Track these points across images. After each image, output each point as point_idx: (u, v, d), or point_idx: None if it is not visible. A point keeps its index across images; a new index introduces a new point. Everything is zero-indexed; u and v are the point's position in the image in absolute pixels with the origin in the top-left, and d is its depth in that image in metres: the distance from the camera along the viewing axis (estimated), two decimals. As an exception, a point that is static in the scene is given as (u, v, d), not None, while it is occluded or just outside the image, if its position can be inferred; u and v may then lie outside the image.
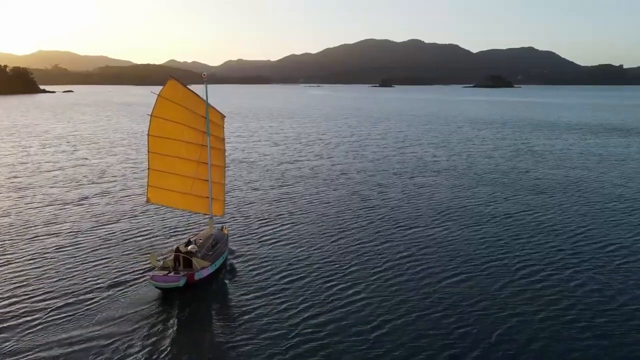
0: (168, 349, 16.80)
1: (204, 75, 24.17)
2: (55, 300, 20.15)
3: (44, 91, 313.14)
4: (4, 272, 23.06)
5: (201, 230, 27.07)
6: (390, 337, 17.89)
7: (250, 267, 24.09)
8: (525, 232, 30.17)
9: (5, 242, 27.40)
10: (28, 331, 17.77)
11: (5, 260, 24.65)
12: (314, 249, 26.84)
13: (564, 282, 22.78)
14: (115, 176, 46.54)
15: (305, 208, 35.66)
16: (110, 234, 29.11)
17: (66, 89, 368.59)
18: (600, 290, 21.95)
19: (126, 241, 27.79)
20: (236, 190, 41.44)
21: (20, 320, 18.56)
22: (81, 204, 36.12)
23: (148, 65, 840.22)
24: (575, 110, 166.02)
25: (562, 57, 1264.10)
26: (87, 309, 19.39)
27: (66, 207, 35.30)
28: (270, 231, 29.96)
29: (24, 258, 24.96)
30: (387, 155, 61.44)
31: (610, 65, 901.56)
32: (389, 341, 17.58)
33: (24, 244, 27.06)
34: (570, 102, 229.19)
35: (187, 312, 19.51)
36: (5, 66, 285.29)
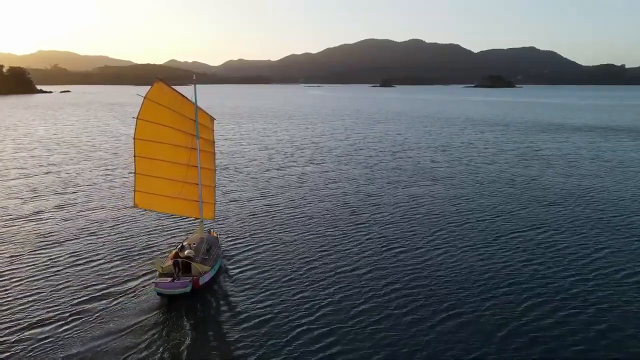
0: (185, 358, 16.38)
1: (194, 76, 24.15)
2: (55, 315, 18.99)
3: (41, 91, 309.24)
4: None
5: (190, 235, 26.00)
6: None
7: (244, 270, 23.76)
8: (534, 256, 26.10)
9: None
10: (31, 349, 16.76)
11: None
12: (300, 262, 25.17)
13: (584, 325, 18.77)
14: (91, 184, 42.73)
15: (289, 223, 31.86)
16: (96, 243, 27.45)
17: (64, 89, 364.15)
18: (633, 336, 17.92)
19: (115, 249, 26.39)
20: (220, 195, 37.63)
21: (22, 337, 17.46)
22: (58, 214, 33.43)
23: (148, 65, 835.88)
24: (580, 111, 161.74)
25: (563, 56, 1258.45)
26: (89, 323, 18.41)
27: (39, 218, 32.53)
28: (255, 238, 28.81)
29: (12, 273, 23.11)
30: (383, 161, 57.40)
31: (611, 65, 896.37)
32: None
33: (7, 259, 24.87)
34: (573, 103, 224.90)
35: (196, 318, 19.06)
36: (2, 66, 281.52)
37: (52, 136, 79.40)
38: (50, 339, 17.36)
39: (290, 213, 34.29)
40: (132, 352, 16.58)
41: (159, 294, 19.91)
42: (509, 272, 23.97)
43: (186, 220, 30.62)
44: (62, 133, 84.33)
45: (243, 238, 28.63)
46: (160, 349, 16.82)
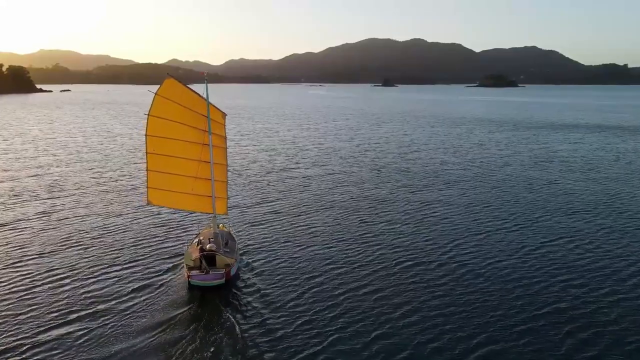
0: (237, 347, 16.64)
1: (205, 74, 24.29)
2: (89, 313, 18.82)
3: (41, 90, 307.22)
4: (28, 296, 20.45)
5: (203, 230, 26.02)
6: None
7: (260, 262, 24.30)
8: (567, 273, 23.07)
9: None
10: (69, 346, 16.57)
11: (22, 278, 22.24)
12: (311, 265, 23.80)
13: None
14: (96, 183, 39.81)
15: (293, 230, 29.07)
16: (110, 242, 27.19)
17: (64, 89, 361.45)
18: None
19: (132, 247, 26.31)
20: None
21: (60, 334, 17.26)
22: (60, 216, 32.38)
23: (149, 64, 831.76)
24: (589, 110, 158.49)
25: (565, 56, 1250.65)
26: (126, 319, 18.30)
27: (46, 219, 31.63)
28: (261, 240, 28.27)
29: (35, 274, 22.63)
30: (391, 163, 54.38)
31: (614, 65, 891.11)
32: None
33: (28, 260, 24.35)
34: (580, 102, 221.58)
35: (231, 309, 19.35)
36: (1, 65, 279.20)
37: (45, 136, 76.40)
38: (89, 336, 17.14)
39: (294, 220, 31.61)
40: (179, 345, 16.65)
41: (194, 285, 20.55)
42: (540, 292, 20.99)
43: (189, 215, 31.08)
44: (55, 132, 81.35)
45: (249, 238, 28.19)
46: (206, 340, 16.97)
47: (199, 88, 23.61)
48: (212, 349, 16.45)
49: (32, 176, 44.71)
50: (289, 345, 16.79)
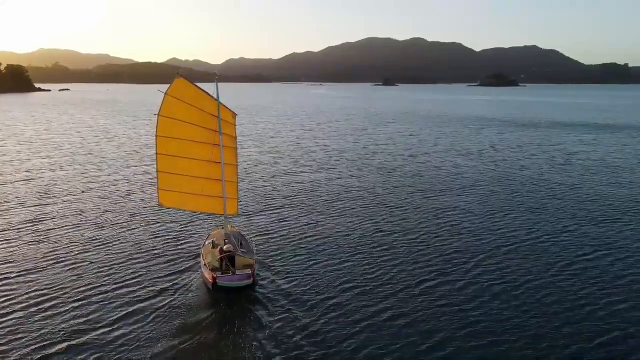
0: (276, 347, 16.36)
1: (217, 74, 24.24)
2: (114, 318, 18.31)
3: (40, 90, 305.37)
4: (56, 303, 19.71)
5: (213, 231, 25.76)
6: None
7: (274, 266, 23.82)
8: (613, 294, 20.59)
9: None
10: (96, 352, 16.14)
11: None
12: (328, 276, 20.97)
13: None
14: (99, 185, 37.28)
15: (303, 238, 26.84)
16: (121, 245, 26.54)
17: (63, 88, 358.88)
18: None
19: (145, 250, 25.78)
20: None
21: (92, 338, 16.87)
22: (80, 219, 31.44)
23: (149, 63, 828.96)
24: (596, 111, 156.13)
25: (566, 55, 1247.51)
26: (152, 323, 17.91)
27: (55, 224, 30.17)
28: (268, 247, 25.52)
29: (54, 281, 21.79)
30: (400, 166, 51.92)
31: (614, 64, 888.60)
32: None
33: (49, 264, 23.72)
34: (583, 102, 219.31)
35: (259, 309, 19.06)
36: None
37: (41, 137, 73.86)
38: (116, 343, 16.66)
39: (304, 227, 29.50)
40: (216, 347, 16.54)
41: (221, 287, 20.01)
42: (588, 317, 18.54)
43: (193, 218, 30.88)
44: (52, 133, 78.83)
45: (257, 243, 26.81)
46: (241, 341, 16.86)
47: (203, 87, 22.61)
48: (250, 350, 16.33)
49: (25, 179, 42.32)
50: (328, 344, 16.72)
